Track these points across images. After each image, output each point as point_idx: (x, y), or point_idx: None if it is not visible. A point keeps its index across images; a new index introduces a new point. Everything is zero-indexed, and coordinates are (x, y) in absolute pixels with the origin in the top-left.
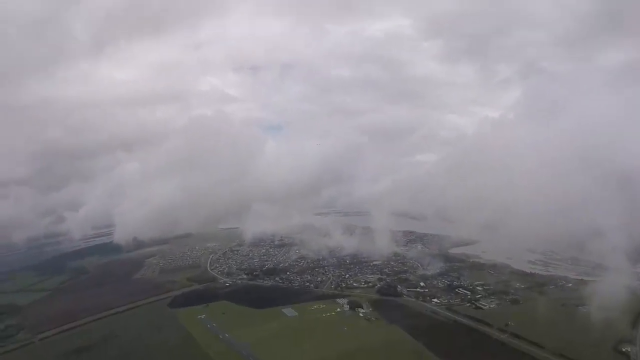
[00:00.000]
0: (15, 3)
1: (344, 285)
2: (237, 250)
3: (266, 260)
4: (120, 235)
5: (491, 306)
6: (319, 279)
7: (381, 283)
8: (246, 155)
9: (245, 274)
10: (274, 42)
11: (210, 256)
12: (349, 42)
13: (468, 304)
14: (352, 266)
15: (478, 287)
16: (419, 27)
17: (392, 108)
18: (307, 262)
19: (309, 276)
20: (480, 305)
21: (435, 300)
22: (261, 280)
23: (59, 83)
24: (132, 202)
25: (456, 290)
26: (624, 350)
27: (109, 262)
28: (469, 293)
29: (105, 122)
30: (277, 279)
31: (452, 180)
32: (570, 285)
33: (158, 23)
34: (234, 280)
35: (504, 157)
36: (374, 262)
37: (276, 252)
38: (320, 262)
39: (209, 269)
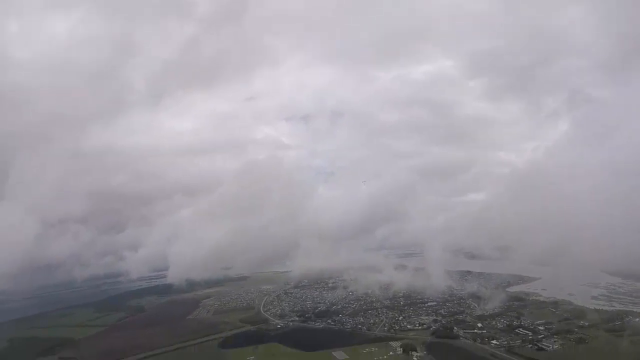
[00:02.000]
0: (78, 55)
1: (397, 328)
2: (291, 293)
3: (319, 302)
4: (174, 275)
5: (555, 347)
6: (372, 321)
7: (436, 325)
8: (298, 197)
9: (297, 316)
10: (323, 90)
11: (265, 298)
12: (395, 87)
13: (530, 345)
14: (405, 307)
15: (540, 327)
16: (462, 66)
17: (441, 149)
18: (360, 304)
19: (361, 318)
20: (543, 346)
21: (494, 342)
22: (313, 323)
23: (121, 132)
24: (186, 243)
25: (516, 330)
26: None
27: (166, 302)
28: (530, 333)
29: (165, 169)
30: (329, 321)
31: (507, 214)
32: (637, 320)
33: (213, 74)
34: (286, 322)
35: (557, 188)
36: (429, 303)
37: (329, 294)
38: (374, 304)
39: (262, 310)
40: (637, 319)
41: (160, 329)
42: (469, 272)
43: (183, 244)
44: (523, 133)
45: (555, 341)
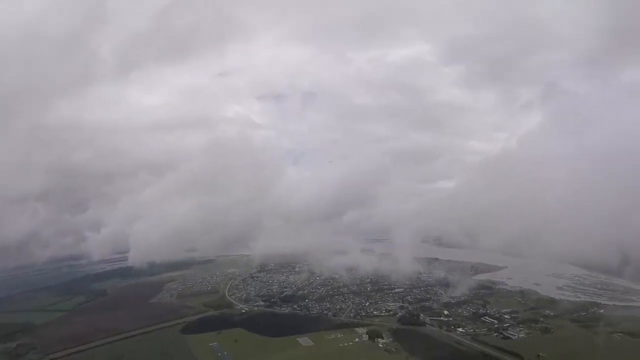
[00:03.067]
0: (41, 22)
1: (363, 314)
2: (257, 277)
3: (285, 287)
4: (135, 257)
5: (520, 336)
6: (338, 306)
7: (403, 311)
8: (266, 178)
9: (263, 300)
10: (297, 69)
11: (230, 282)
12: (371, 69)
13: (495, 334)
14: (372, 293)
15: (505, 316)
16: (439, 52)
17: (413, 135)
18: (327, 289)
19: (327, 303)
20: (509, 335)
21: (460, 329)
22: (278, 308)
23: (86, 106)
24: (149, 223)
25: (482, 318)
26: None
27: (129, 286)
28: (496, 322)
29: (131, 145)
30: (294, 306)
31: (476, 203)
32: (601, 311)
33: (184, 48)
34: (251, 307)
35: (527, 178)
36: (396, 290)
37: (296, 279)
38: (340, 289)
39: (226, 294)
40: (602, 311)
41: (122, 314)
42: (436, 259)
43: (146, 224)
44: (496, 123)
45: (520, 330)
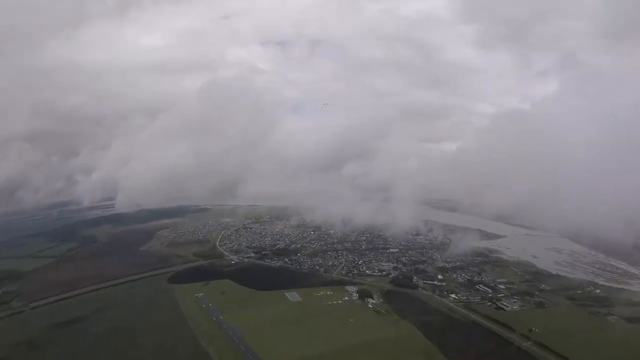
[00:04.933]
0: None
1: (355, 272)
2: (250, 228)
3: (278, 240)
4: (124, 201)
5: (514, 308)
6: (330, 263)
7: (396, 272)
8: (265, 124)
9: (254, 252)
10: (304, 15)
11: (222, 232)
12: (382, 20)
13: (489, 303)
14: (367, 252)
15: (500, 286)
16: (455, 9)
17: (421, 93)
18: (320, 244)
19: (320, 259)
20: (502, 306)
21: (453, 296)
22: (269, 261)
23: (80, 46)
24: (139, 168)
25: (476, 286)
26: None
27: (120, 232)
28: (490, 291)
29: (127, 88)
30: (286, 260)
31: (479, 168)
32: (598, 291)
33: None
34: (241, 258)
35: (536, 146)
36: (391, 250)
37: (290, 232)
38: (334, 245)
39: (217, 245)
40: (598, 291)
41: (110, 261)
42: (434, 222)
43: (136, 168)
44: (508, 87)
45: (514, 302)
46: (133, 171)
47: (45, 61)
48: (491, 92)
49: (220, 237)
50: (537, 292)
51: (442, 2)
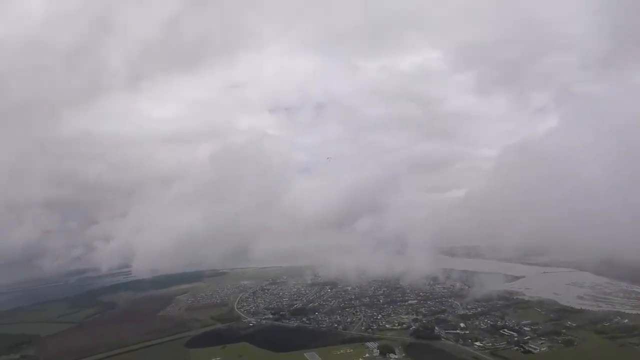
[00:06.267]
0: (49, 33)
1: (375, 327)
2: (268, 289)
3: (295, 299)
4: (141, 268)
5: (542, 349)
6: (349, 319)
7: (416, 324)
8: (277, 188)
9: (272, 313)
10: (307, 80)
11: (240, 294)
12: (381, 78)
13: (515, 347)
14: (385, 306)
15: (525, 328)
16: (449, 59)
17: (425, 144)
18: (338, 302)
19: (338, 316)
20: (530, 349)
21: (478, 343)
22: (287, 321)
23: (96, 117)
24: (155, 235)
25: (501, 331)
26: None
27: (140, 298)
28: (515, 334)
29: (143, 158)
30: (304, 319)
31: (488, 212)
32: (626, 321)
33: (194, 57)
34: (259, 320)
35: (542, 184)
36: (409, 302)
37: (307, 291)
38: (352, 302)
39: (235, 307)
40: (626, 320)
41: (128, 327)
42: (451, 269)
43: (152, 235)
44: (509, 129)
45: (542, 343)
46: (149, 238)
47: (62, 132)
48: (493, 135)
49: (238, 299)
50: (563, 330)
51: (435, 54)
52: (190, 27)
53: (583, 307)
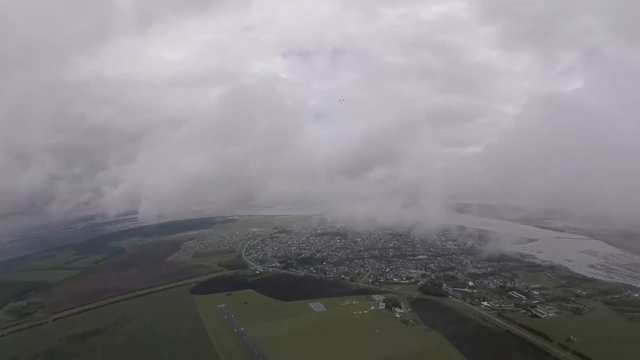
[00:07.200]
0: None
1: (382, 280)
2: (277, 237)
3: (304, 249)
4: (147, 213)
5: (550, 315)
6: (357, 271)
7: (425, 280)
8: (290, 130)
9: (279, 262)
10: (325, 25)
11: (248, 242)
12: (403, 26)
13: (523, 311)
14: (394, 259)
15: (534, 292)
16: (475, 10)
17: (444, 96)
18: (347, 252)
19: (346, 267)
20: (537, 313)
21: (485, 303)
22: (294, 270)
23: (106, 61)
24: (163, 177)
25: (509, 293)
26: None
27: (147, 244)
28: (524, 297)
29: (153, 101)
30: (311, 269)
31: (507, 170)
32: (636, 295)
33: None
34: (266, 268)
35: (565, 145)
36: (419, 256)
37: (316, 241)
38: (361, 253)
39: (243, 255)
40: (637, 295)
41: (134, 272)
42: (463, 226)
43: (160, 179)
44: (533, 87)
45: (550, 309)
46: (158, 182)
47: (72, 75)
48: (516, 92)
49: (246, 247)
50: (573, 298)
51: (461, 4)
52: None
53: (594, 277)
